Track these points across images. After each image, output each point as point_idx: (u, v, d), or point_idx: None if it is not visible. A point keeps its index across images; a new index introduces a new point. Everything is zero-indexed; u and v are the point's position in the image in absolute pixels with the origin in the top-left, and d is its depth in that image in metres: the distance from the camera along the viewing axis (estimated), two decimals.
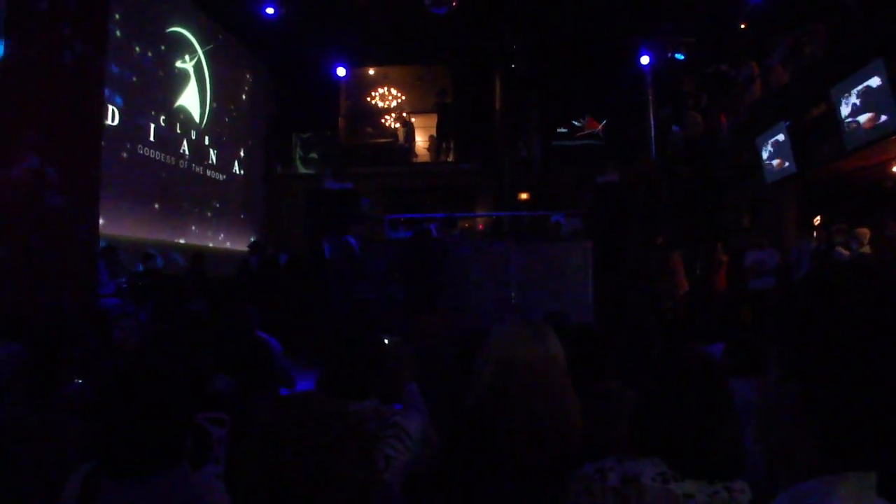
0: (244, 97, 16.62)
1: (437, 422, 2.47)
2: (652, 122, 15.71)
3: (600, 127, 16.78)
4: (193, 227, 13.76)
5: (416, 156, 18.66)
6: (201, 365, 3.81)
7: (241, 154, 16.26)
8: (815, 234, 10.14)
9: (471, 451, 1.87)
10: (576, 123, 17.09)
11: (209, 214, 14.54)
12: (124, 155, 11.55)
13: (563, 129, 17.13)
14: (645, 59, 15.84)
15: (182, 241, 13.28)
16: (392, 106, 19.52)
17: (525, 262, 9.40)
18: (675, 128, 13.79)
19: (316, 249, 10.30)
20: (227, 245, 14.70)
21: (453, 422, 2.04)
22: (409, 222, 12.90)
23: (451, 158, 18.03)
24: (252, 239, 13.61)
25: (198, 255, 11.13)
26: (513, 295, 9.28)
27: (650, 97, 16.04)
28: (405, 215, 13.67)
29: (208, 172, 14.57)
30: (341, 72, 17.65)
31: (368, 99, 19.59)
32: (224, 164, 15.31)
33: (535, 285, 9.27)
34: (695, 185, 12.50)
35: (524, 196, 16.47)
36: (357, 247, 9.63)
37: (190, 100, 13.89)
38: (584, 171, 14.10)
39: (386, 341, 2.74)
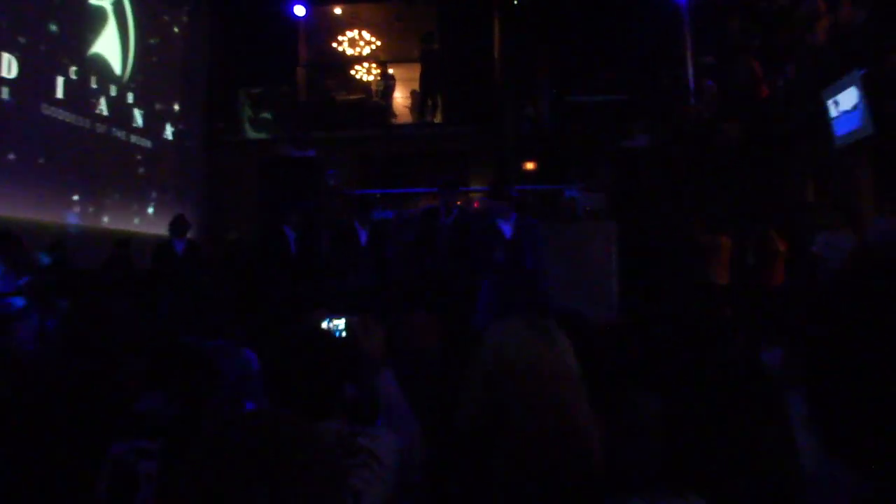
0: (178, 43, 16.52)
1: (424, 427, 2.45)
2: (690, 73, 15.69)
3: None
4: (115, 207, 13.69)
5: (394, 116, 18.61)
6: (123, 380, 3.78)
7: (175, 115, 16.17)
8: None
9: (461, 484, 1.85)
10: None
11: (135, 191, 14.46)
12: (24, 116, 11.46)
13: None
14: None
15: (106, 219, 13.23)
16: (364, 54, 19.44)
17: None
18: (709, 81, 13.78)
19: (273, 234, 10.28)
20: (159, 229, 14.62)
21: (440, 446, 2.03)
22: (389, 199, 12.89)
23: (438, 119, 17.99)
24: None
25: (121, 242, 11.07)
26: None
27: (688, 41, 16.02)
28: (381, 191, 13.65)
29: (132, 138, 14.47)
30: (300, 11, 17.57)
31: (334, 45, 19.50)
32: (153, 128, 15.22)
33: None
34: (745, 151, 12.50)
35: (530, 166, 16.46)
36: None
37: (108, 46, 13.78)
38: (605, 133, 14.09)
39: (342, 323, 2.72)
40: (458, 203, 9.58)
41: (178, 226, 10.79)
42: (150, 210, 14.90)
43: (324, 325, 2.67)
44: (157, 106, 15.47)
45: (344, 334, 2.68)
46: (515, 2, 17.12)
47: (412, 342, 3.44)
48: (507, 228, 8.25)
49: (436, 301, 8.40)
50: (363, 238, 9.22)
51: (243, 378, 3.74)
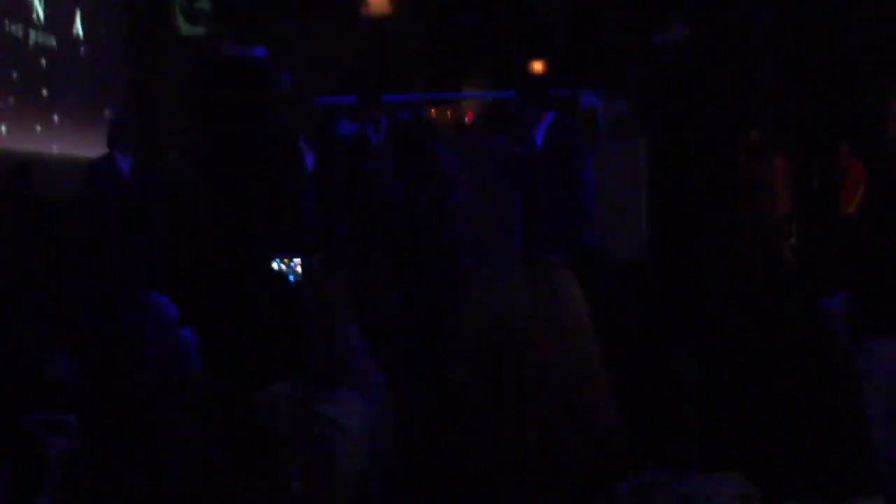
0: None
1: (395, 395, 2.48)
2: None
3: None
4: (9, 122, 13.58)
5: (366, 3, 18.45)
6: (32, 342, 3.80)
7: (85, 5, 15.95)
8: None
9: (441, 482, 1.85)
10: None
11: (37, 102, 14.33)
12: None
13: None
14: None
15: (3, 129, 13.13)
16: None
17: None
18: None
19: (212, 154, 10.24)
20: (70, 149, 14.54)
21: (410, 435, 2.04)
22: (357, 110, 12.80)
23: (422, 10, 17.85)
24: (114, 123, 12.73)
25: (20, 168, 10.98)
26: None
27: None
28: (351, 98, 13.54)
29: (32, 34, 14.29)
30: None
31: None
32: (57, 22, 15.00)
33: None
34: (812, 51, 12.42)
35: (538, 66, 16.37)
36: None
37: None
38: (632, 24, 13.99)
39: (296, 265, 2.74)
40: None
41: (121, 134, 10.19)
42: (58, 127, 14.73)
43: (274, 265, 2.69)
44: None
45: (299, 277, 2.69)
46: None
47: (365, 295, 3.45)
48: (538, 137, 8.13)
49: (385, 248, 8.36)
50: (310, 162, 9.07)
51: (159, 331, 3.79)
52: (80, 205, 10.23)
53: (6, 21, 13.60)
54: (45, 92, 14.53)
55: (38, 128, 14.14)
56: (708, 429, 1.75)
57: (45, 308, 4.18)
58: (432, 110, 15.92)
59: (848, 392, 1.74)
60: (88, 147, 13.37)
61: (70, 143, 14.32)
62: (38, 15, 14.47)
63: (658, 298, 3.02)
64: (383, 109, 9.35)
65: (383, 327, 3.43)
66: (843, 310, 3.39)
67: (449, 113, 16.85)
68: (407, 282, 4.33)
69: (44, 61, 14.56)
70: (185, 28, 17.53)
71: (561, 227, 8.03)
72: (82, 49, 15.80)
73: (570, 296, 1.90)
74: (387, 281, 3.90)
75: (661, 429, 2.12)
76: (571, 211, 8.14)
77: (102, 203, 9.83)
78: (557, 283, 1.90)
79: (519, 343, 1.81)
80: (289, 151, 9.39)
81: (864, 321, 3.13)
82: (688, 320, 2.99)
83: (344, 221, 8.98)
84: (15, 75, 13.75)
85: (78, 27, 15.69)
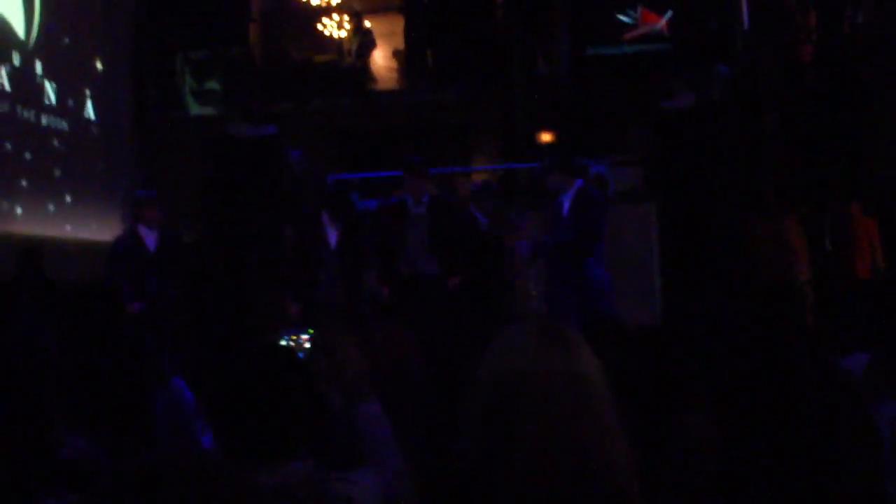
0: None
1: (416, 470, 2.45)
2: (745, 11, 15.64)
3: (663, 23, 16.72)
4: (21, 207, 13.64)
5: (374, 81, 18.59)
6: (44, 421, 3.78)
7: (96, 88, 16.08)
8: None
9: None
10: (624, 19, 17.03)
11: (48, 186, 14.39)
12: None
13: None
14: None
15: (18, 211, 13.16)
16: (334, 3, 19.41)
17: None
18: (721, 67, 13.62)
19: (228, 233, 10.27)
20: (80, 232, 14.57)
21: (432, 482, 2.01)
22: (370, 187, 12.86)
23: (429, 83, 17.97)
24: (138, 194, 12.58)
25: (31, 251, 10.99)
26: (533, 290, 9.27)
27: None
28: (359, 175, 13.62)
29: (44, 119, 14.39)
30: None
31: None
32: (69, 106, 15.13)
33: None
34: (823, 103, 12.42)
35: (547, 137, 16.43)
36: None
37: (8, 4, 13.71)
38: (639, 93, 14.06)
39: (304, 342, 2.72)
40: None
41: (146, 207, 9.86)
42: (68, 211, 14.78)
43: (283, 342, 2.67)
44: (74, 78, 15.37)
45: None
46: None
47: (386, 359, 3.42)
48: (566, 203, 8.14)
49: (413, 311, 8.38)
50: (332, 238, 9.09)
51: (173, 413, 3.75)
52: (104, 279, 10.21)
53: (19, 106, 13.72)
54: (57, 172, 14.61)
55: (52, 208, 14.20)
56: (728, 488, 1.72)
57: (60, 387, 4.15)
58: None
59: (870, 455, 1.71)
60: (102, 227, 13.41)
61: (83, 223, 14.37)
62: (49, 99, 14.60)
63: (671, 362, 2.99)
64: (426, 181, 9.36)
65: (406, 392, 3.41)
66: (862, 370, 3.36)
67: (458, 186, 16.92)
68: (436, 348, 4.29)
69: (56, 143, 14.66)
70: (195, 109, 17.66)
71: (580, 295, 8.03)
72: (94, 130, 15.90)
73: (583, 355, 1.90)
74: (412, 346, 3.86)
75: (681, 491, 2.09)
76: (590, 280, 8.13)
77: (127, 277, 9.67)
78: (570, 343, 1.90)
79: (534, 397, 1.80)
80: (309, 228, 9.37)
81: (885, 383, 3.10)
82: (703, 382, 2.96)
83: (370, 294, 9.04)
84: (28, 157, 13.84)
85: (89, 109, 15.82)
